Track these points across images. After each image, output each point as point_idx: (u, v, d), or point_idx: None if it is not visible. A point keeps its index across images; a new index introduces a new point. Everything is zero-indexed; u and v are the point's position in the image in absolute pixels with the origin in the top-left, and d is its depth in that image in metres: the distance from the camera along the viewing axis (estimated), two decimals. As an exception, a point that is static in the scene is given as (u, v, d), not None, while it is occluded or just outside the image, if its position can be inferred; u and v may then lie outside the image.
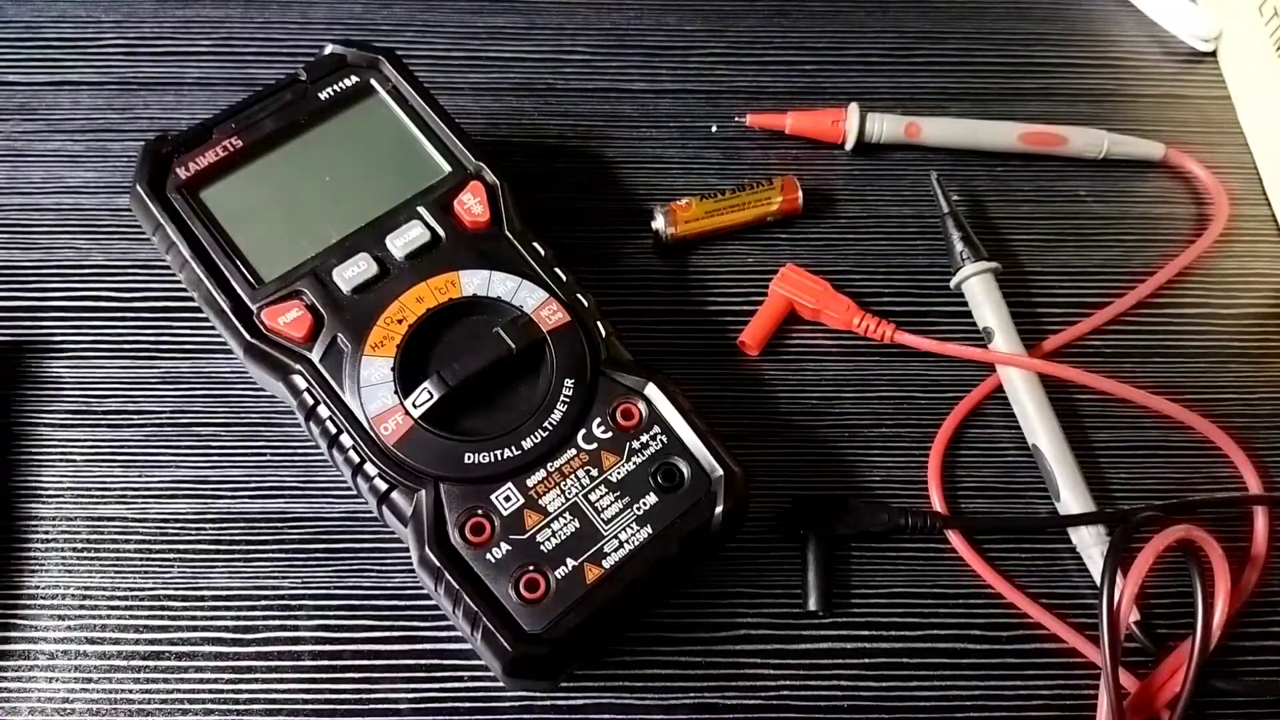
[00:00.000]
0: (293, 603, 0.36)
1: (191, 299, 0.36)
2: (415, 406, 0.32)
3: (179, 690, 0.35)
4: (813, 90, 0.48)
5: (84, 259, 0.42)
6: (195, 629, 0.36)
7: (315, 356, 0.34)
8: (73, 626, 0.36)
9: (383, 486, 0.32)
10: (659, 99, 0.48)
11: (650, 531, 0.32)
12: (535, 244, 0.36)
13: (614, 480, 0.32)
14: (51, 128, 0.45)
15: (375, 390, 0.33)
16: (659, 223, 0.43)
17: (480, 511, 0.32)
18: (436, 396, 0.32)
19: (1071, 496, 0.38)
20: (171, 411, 0.39)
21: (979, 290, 0.42)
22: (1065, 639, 0.37)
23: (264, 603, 0.36)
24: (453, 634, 0.36)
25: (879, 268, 0.44)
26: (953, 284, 0.43)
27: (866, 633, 0.37)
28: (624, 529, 0.32)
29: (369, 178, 0.37)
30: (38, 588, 0.36)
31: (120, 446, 0.39)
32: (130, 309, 0.41)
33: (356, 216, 0.36)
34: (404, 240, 0.35)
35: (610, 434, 0.33)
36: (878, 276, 0.44)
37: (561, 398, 0.33)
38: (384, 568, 0.37)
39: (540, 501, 0.32)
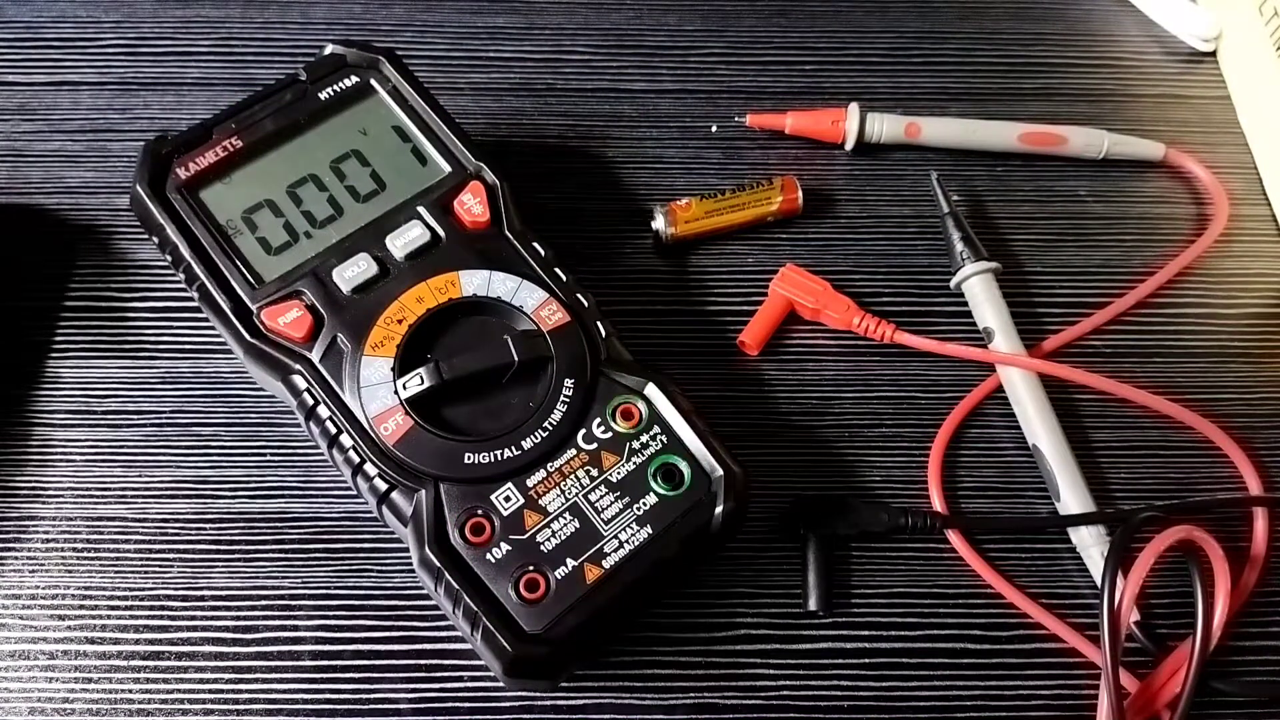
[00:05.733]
0: (293, 603, 0.36)
1: (191, 299, 0.36)
2: (404, 388, 0.32)
3: (179, 690, 0.35)
4: (813, 90, 0.48)
5: (84, 259, 0.42)
6: (195, 629, 0.36)
7: (315, 356, 0.34)
8: (73, 626, 0.36)
9: (383, 486, 0.32)
10: (659, 99, 0.48)
11: (650, 531, 0.32)
12: (535, 244, 0.36)
13: (614, 480, 0.32)
14: (51, 128, 0.45)
15: (375, 390, 0.33)
16: (659, 223, 0.43)
17: (480, 511, 0.32)
18: (426, 384, 0.32)
19: (1071, 496, 0.38)
20: (171, 411, 0.39)
21: (979, 290, 0.42)
22: (1065, 639, 0.37)
23: (264, 603, 0.36)
24: (453, 634, 0.36)
25: (879, 268, 0.44)
26: (953, 284, 0.43)
27: (866, 633, 0.37)
28: (624, 529, 0.32)
29: (369, 178, 0.37)
30: (38, 588, 0.36)
31: (120, 446, 0.39)
32: (130, 309, 0.41)
33: (356, 216, 0.36)
34: (404, 240, 0.35)
35: (610, 434, 0.33)
36: (878, 276, 0.44)
37: (561, 398, 0.33)
38: (384, 568, 0.37)
39: (540, 501, 0.32)
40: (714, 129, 0.47)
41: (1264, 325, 0.44)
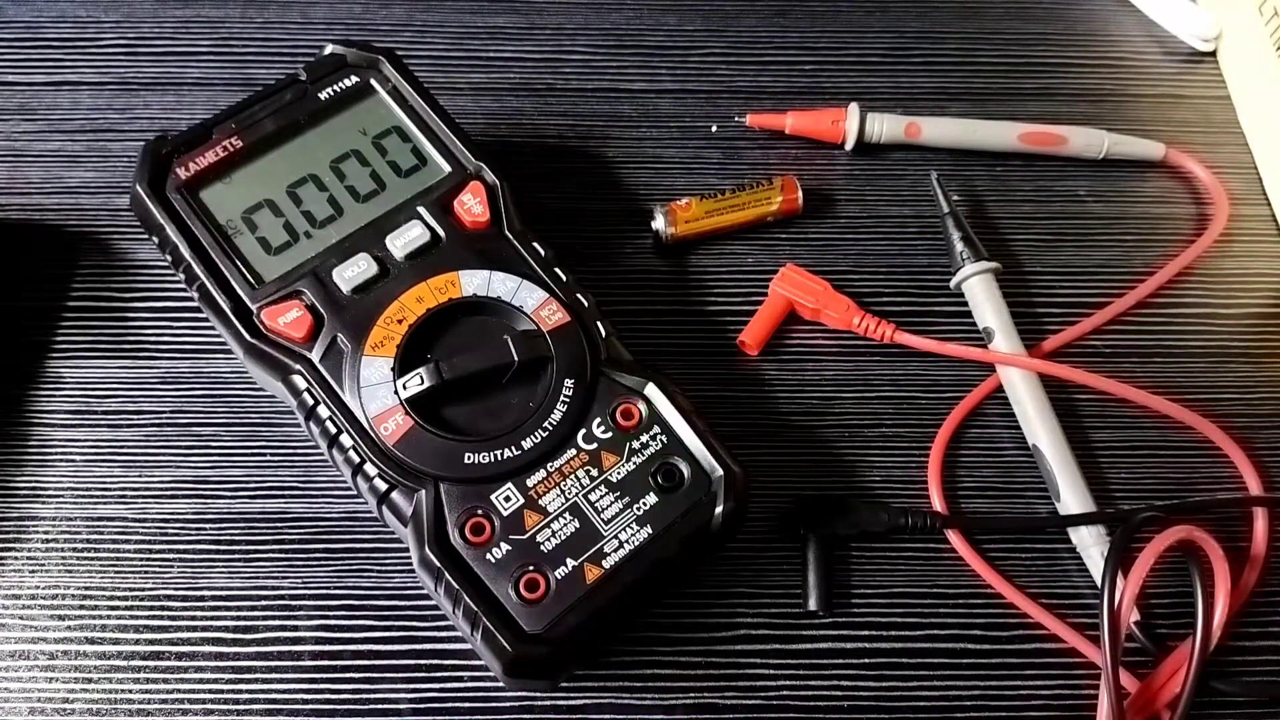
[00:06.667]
0: (293, 603, 0.36)
1: (191, 299, 0.36)
2: (404, 388, 0.32)
3: (179, 690, 0.35)
4: (813, 90, 0.48)
5: (84, 259, 0.42)
6: (195, 629, 0.36)
7: (315, 356, 0.34)
8: (73, 626, 0.36)
9: (383, 486, 0.32)
10: (659, 99, 0.48)
11: (650, 531, 0.32)
12: (535, 244, 0.36)
13: (614, 480, 0.32)
14: (51, 128, 0.45)
15: (375, 390, 0.33)
16: (659, 223, 0.43)
17: (480, 511, 0.32)
18: (426, 384, 0.32)
19: (1071, 496, 0.38)
20: (171, 411, 0.39)
21: (979, 290, 0.42)
22: (1065, 639, 0.37)
23: (264, 603, 0.36)
24: (453, 634, 0.36)
25: (879, 268, 0.44)
26: (953, 284, 0.43)
27: (866, 633, 0.37)
28: (624, 529, 0.32)
29: (369, 178, 0.37)
30: (38, 588, 0.36)
31: (120, 446, 0.39)
32: (130, 309, 0.41)
33: (356, 216, 0.36)
34: (404, 240, 0.35)
35: (610, 434, 0.33)
36: (878, 276, 0.44)
37: (561, 398, 0.33)
38: (384, 568, 0.37)
39: (540, 501, 0.32)
40: (714, 129, 0.47)
41: (1264, 325, 0.44)
